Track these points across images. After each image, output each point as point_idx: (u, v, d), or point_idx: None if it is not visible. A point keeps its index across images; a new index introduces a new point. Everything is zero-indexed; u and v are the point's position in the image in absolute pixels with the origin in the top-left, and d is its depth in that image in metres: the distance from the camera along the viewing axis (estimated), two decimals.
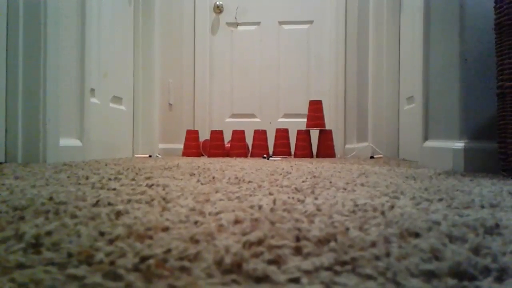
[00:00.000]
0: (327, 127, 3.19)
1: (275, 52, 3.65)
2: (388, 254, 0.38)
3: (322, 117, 3.12)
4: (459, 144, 1.55)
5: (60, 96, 1.95)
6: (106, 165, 1.72)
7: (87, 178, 1.09)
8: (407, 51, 2.70)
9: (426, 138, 1.93)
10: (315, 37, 3.61)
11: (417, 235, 0.46)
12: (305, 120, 3.23)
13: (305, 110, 3.33)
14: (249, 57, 3.67)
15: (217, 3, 3.63)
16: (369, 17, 3.13)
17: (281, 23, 3.65)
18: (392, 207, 0.64)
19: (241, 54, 3.67)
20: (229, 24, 3.68)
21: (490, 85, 1.49)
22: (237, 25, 3.67)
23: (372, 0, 3.08)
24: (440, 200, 0.74)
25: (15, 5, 1.81)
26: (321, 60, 3.61)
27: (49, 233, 0.45)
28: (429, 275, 0.33)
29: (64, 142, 1.98)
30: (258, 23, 3.66)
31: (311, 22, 3.61)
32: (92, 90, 2.40)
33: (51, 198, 0.69)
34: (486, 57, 1.52)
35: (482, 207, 0.67)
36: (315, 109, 3.12)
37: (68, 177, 1.12)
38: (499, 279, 0.32)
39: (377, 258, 0.37)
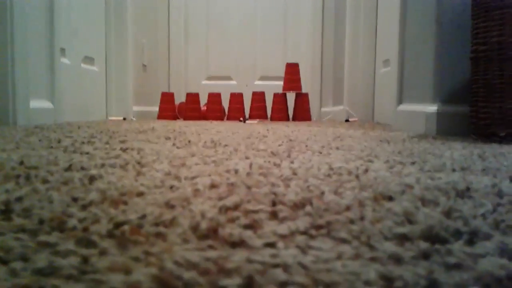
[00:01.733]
0: (303, 90, 3.18)
1: (252, 12, 3.57)
2: (362, 218, 0.39)
3: (298, 80, 3.11)
4: (432, 108, 1.57)
5: (28, 56, 1.88)
6: (78, 127, 1.68)
7: (59, 141, 1.06)
8: (384, 14, 2.68)
9: (400, 101, 1.95)
10: None
11: (390, 198, 0.47)
12: (281, 83, 3.22)
13: (281, 72, 3.31)
14: (226, 17, 3.58)
15: None
16: None
17: None
18: (366, 170, 0.65)
19: (217, 14, 3.59)
20: None
21: (464, 50, 1.50)
22: None
23: None
24: (413, 163, 0.75)
25: None
26: (298, 22, 3.55)
27: (20, 199, 0.44)
28: (402, 238, 0.34)
29: (34, 104, 1.92)
30: None
31: None
32: (63, 49, 2.31)
33: (21, 162, 0.67)
34: (461, 21, 1.52)
35: (453, 170, 0.68)
36: (292, 72, 3.10)
37: (40, 140, 1.09)
38: (471, 242, 0.33)
39: (351, 222, 0.38)
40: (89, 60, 2.79)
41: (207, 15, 3.59)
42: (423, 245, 0.32)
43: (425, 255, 0.30)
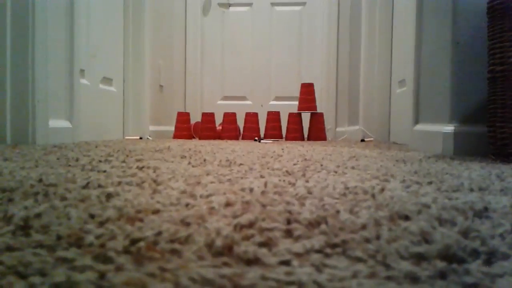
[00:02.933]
0: (318, 110, 3.19)
1: (267, 34, 3.62)
2: (378, 237, 0.39)
3: (313, 100, 3.11)
4: (449, 128, 1.56)
5: (49, 76, 1.92)
6: (96, 147, 1.71)
7: (77, 160, 1.08)
8: (399, 34, 2.69)
9: (416, 121, 1.94)
10: (307, 19, 3.58)
11: (407, 218, 0.46)
12: (296, 103, 3.23)
13: (296, 93, 3.32)
14: (241, 39, 3.63)
15: None
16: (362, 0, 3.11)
17: (273, 4, 3.61)
18: (382, 190, 0.65)
19: (232, 36, 3.64)
20: (220, 4, 3.63)
21: (481, 70, 1.49)
22: (229, 6, 3.62)
23: None
24: (430, 183, 0.75)
25: None
26: (313, 43, 3.58)
27: (38, 215, 0.45)
28: (419, 258, 0.33)
29: (53, 123, 1.96)
30: (250, 4, 3.62)
31: (303, 3, 3.58)
32: (82, 71, 2.37)
33: (40, 180, 0.69)
34: (478, 41, 1.52)
35: (471, 190, 0.68)
36: (307, 92, 3.11)
37: (58, 158, 1.11)
38: (488, 262, 0.32)
39: (367, 240, 0.38)
40: (107, 81, 2.85)
41: (222, 37, 3.64)
42: (440, 264, 0.32)
43: (442, 275, 0.30)
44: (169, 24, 3.57)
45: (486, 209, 0.51)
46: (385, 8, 2.87)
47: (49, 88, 1.92)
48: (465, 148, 1.52)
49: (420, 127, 1.88)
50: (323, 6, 3.54)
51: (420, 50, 1.91)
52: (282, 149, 1.76)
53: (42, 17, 1.86)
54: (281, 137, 3.10)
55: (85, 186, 0.64)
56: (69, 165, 0.95)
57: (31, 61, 1.81)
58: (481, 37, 1.49)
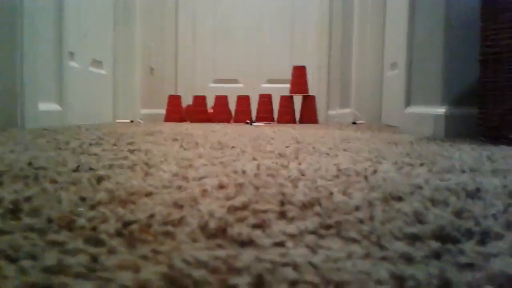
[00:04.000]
0: (310, 93, 3.18)
1: (258, 16, 3.58)
2: (372, 218, 0.39)
3: (305, 83, 3.10)
4: (440, 110, 1.56)
5: (37, 59, 1.89)
6: (86, 130, 1.69)
7: (67, 143, 1.07)
8: (392, 16, 2.67)
9: (408, 103, 1.94)
10: (299, 0, 3.55)
11: (400, 199, 0.46)
12: (288, 86, 3.21)
13: (288, 75, 3.31)
14: (233, 20, 3.59)
15: None
16: None
17: None
18: (375, 171, 0.65)
19: (224, 18, 3.60)
20: None
21: (473, 52, 1.49)
22: None
23: None
24: (422, 165, 0.75)
25: None
26: (305, 25, 3.55)
27: (28, 199, 0.44)
28: (413, 238, 0.33)
29: (43, 106, 1.94)
30: None
31: None
32: (71, 53, 2.33)
33: (30, 163, 0.68)
34: (470, 23, 1.51)
35: (463, 171, 0.68)
36: (299, 74, 3.10)
37: (48, 142, 1.09)
38: (482, 242, 0.33)
39: (361, 221, 0.37)
40: (97, 63, 2.81)
41: (214, 19, 3.60)
42: (434, 244, 0.32)
43: (437, 255, 0.30)
44: (160, 5, 3.52)
45: (478, 189, 0.52)
46: None
47: (38, 70, 1.89)
48: (456, 130, 1.52)
49: (411, 109, 1.88)
50: None
51: (412, 32, 1.91)
52: (274, 131, 1.75)
53: None
54: (273, 120, 3.10)
55: (76, 169, 0.64)
56: (60, 148, 0.94)
57: (20, 43, 1.77)
58: (474, 18, 1.48)
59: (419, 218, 0.38)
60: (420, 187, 0.52)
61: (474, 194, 0.50)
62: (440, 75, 1.58)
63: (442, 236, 0.34)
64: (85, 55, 2.59)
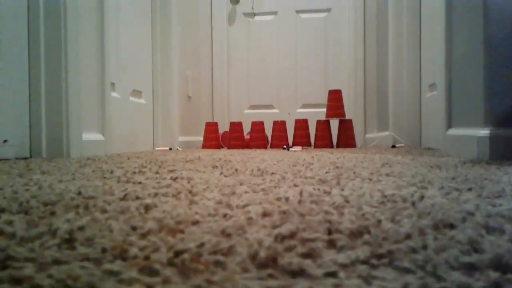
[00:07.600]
0: (346, 117, 3.16)
1: (292, 41, 3.62)
2: (425, 247, 0.37)
3: (341, 107, 3.09)
4: (484, 132, 1.51)
5: (81, 91, 1.97)
6: (128, 158, 1.73)
7: (111, 172, 1.10)
8: (428, 37, 2.65)
9: (449, 126, 1.90)
10: (333, 25, 3.57)
11: (452, 226, 0.45)
12: (324, 110, 3.21)
13: (323, 100, 3.31)
14: (266, 47, 3.65)
15: None
16: (388, 3, 3.08)
17: (298, 12, 3.61)
18: (421, 197, 0.63)
19: (258, 45, 3.66)
20: (246, 14, 3.66)
21: None
22: (254, 15, 3.64)
23: None
24: (470, 189, 0.73)
25: (36, 4, 1.83)
26: (339, 49, 3.56)
27: (81, 228, 0.45)
28: (470, 268, 0.32)
29: (86, 136, 2.01)
30: (275, 13, 3.63)
31: (328, 10, 3.57)
32: (112, 84, 2.42)
33: (79, 193, 0.70)
34: (511, 40, 1.48)
35: None
36: (335, 98, 3.09)
37: (93, 171, 1.13)
38: None
39: (414, 250, 0.37)
40: (137, 93, 2.90)
41: (248, 46, 3.66)
42: (494, 274, 0.30)
43: (497, 286, 0.29)
44: (195, 35, 3.62)
45: None
46: (412, 11, 2.83)
47: (81, 101, 1.97)
48: (501, 152, 1.47)
49: (453, 131, 1.83)
50: (349, 12, 3.52)
51: (450, 52, 1.88)
52: (312, 156, 1.75)
53: (74, 33, 1.91)
54: (310, 145, 3.09)
55: (123, 198, 0.65)
56: (105, 177, 0.97)
57: (64, 76, 1.86)
58: None
59: (474, 247, 0.37)
60: (472, 214, 0.51)
61: None
62: (482, 95, 1.54)
63: (500, 265, 0.33)
64: (125, 85, 2.68)
